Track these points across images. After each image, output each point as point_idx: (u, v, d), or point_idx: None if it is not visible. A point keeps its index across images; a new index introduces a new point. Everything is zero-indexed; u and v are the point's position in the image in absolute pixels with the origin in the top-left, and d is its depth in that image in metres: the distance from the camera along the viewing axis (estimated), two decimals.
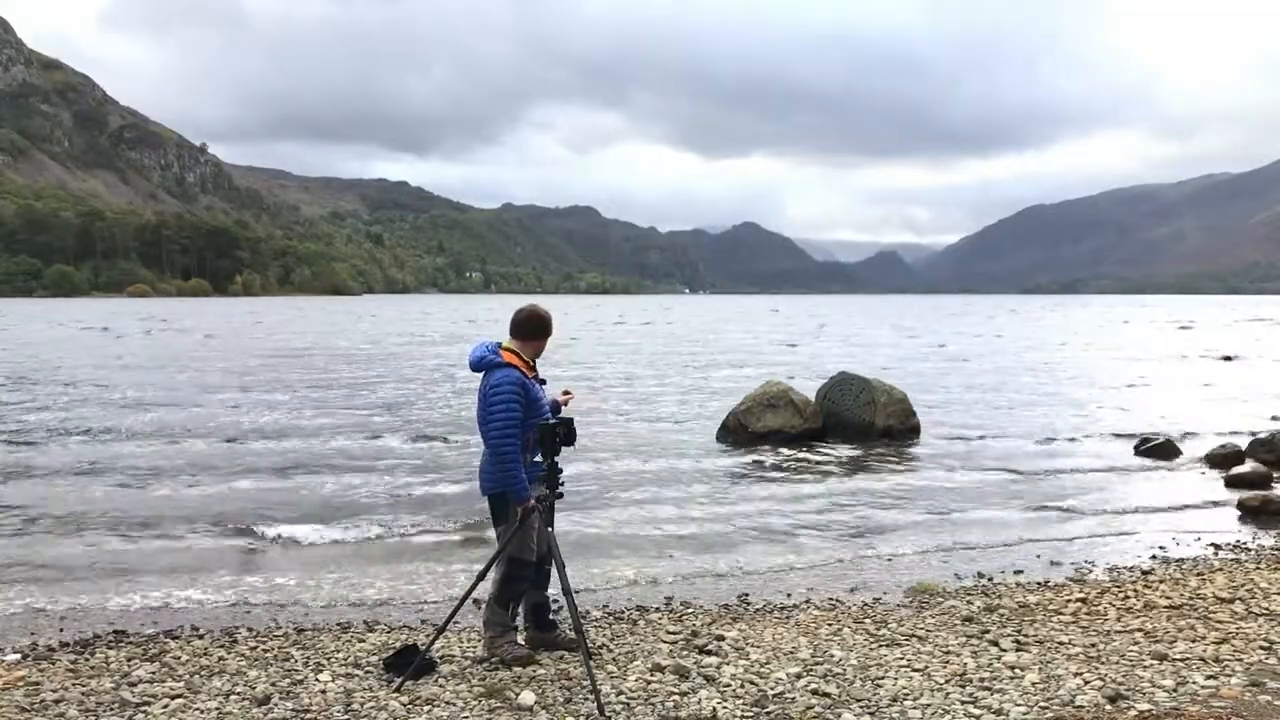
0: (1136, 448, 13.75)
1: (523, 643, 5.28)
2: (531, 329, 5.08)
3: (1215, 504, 10.44)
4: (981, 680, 4.87)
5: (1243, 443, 13.18)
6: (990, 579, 7.42)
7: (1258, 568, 7.50)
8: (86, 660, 5.34)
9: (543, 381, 5.14)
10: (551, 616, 5.42)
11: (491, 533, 5.29)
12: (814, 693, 4.71)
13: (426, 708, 4.53)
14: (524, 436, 4.92)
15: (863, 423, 14.62)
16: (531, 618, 5.36)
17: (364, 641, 5.68)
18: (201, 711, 4.49)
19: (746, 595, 6.95)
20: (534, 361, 5.12)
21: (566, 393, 5.28)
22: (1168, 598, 6.51)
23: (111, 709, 4.53)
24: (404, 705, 4.55)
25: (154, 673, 5.05)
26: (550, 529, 4.98)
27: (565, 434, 4.89)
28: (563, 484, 5.00)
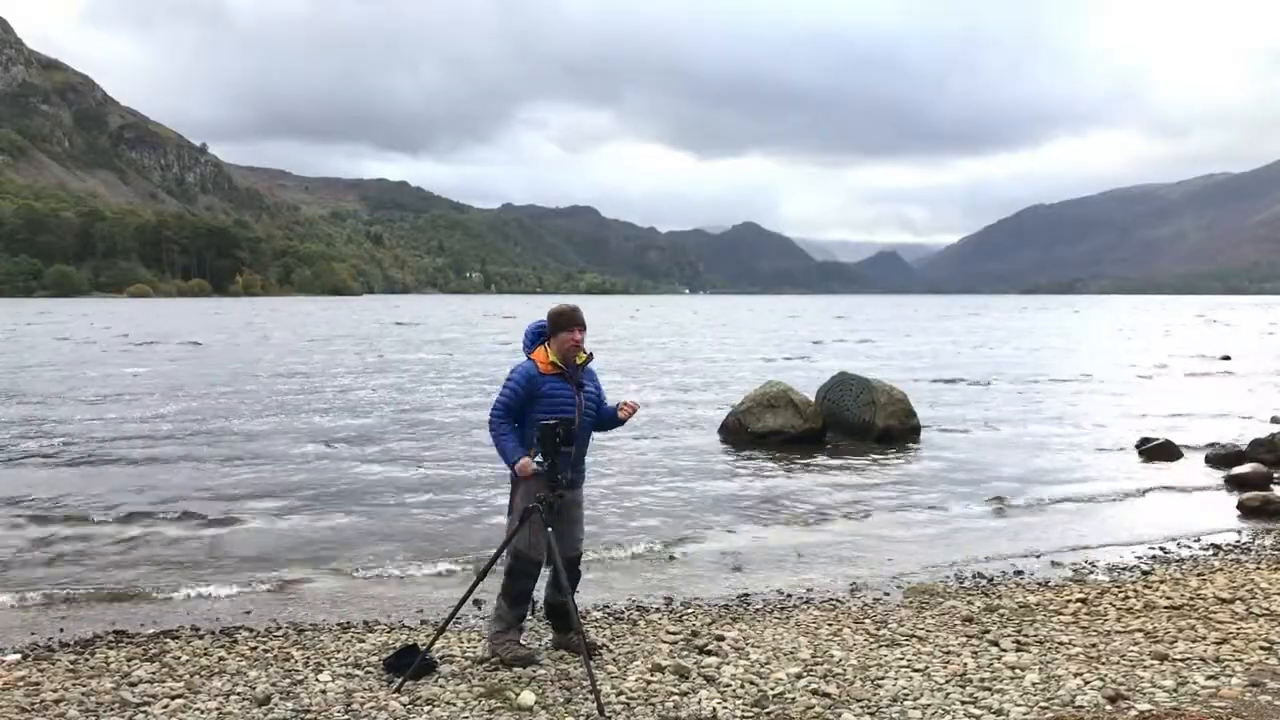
0: (1137, 448, 13.74)
1: (523, 642, 5.27)
2: (551, 326, 5.14)
3: (1215, 504, 10.44)
4: (981, 680, 4.87)
5: (1243, 443, 13.17)
6: (990, 579, 7.42)
7: (1258, 568, 7.50)
8: (86, 660, 5.33)
9: (580, 385, 5.13)
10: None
11: (491, 532, 5.30)
12: (814, 693, 4.71)
13: (426, 708, 4.53)
14: (530, 431, 4.99)
15: (863, 423, 14.62)
16: (549, 619, 5.41)
17: (364, 641, 5.68)
18: (201, 711, 4.49)
19: (746, 595, 6.95)
20: (563, 359, 5.09)
21: (624, 405, 5.21)
22: (1168, 598, 6.51)
23: (111, 709, 4.53)
24: (404, 705, 4.55)
25: (154, 673, 5.05)
26: (550, 529, 4.97)
27: (565, 434, 4.89)
28: (564, 484, 4.99)
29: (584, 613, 5.94)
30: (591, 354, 5.18)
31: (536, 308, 5.36)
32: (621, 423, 5.28)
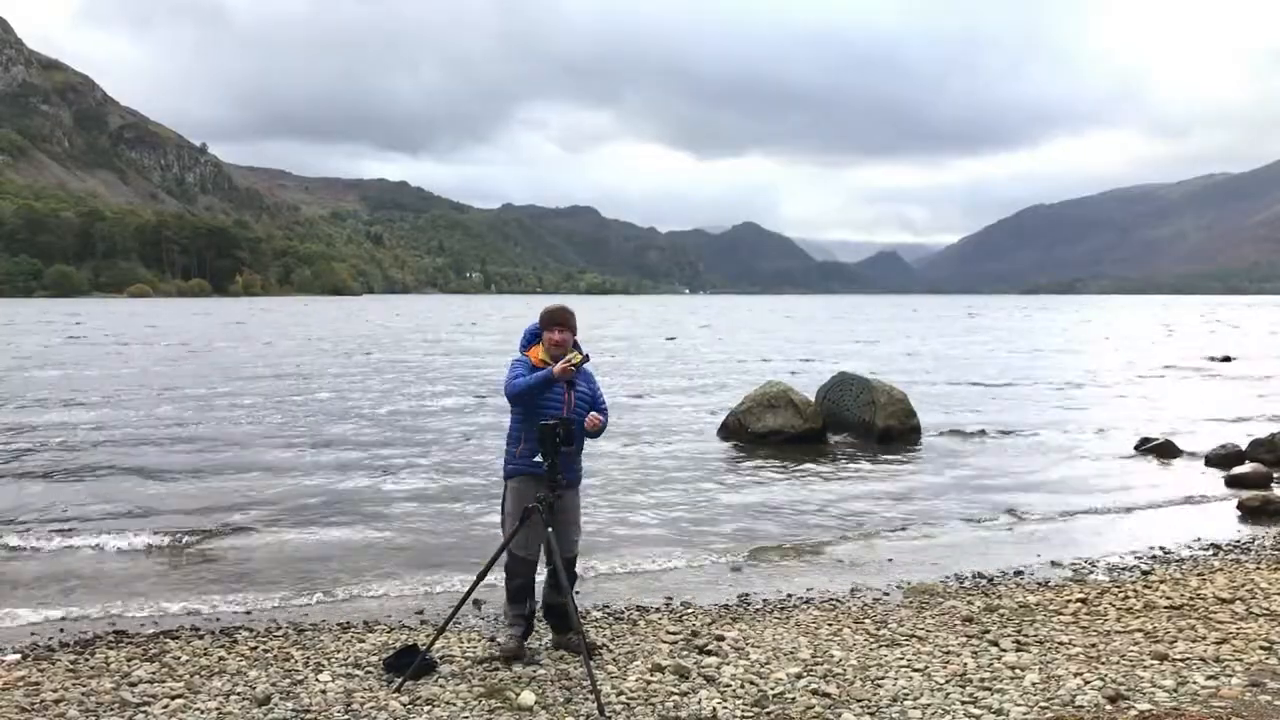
0: (1137, 448, 13.75)
1: (527, 643, 5.26)
2: (540, 326, 5.24)
3: (1215, 504, 10.44)
4: (981, 680, 4.87)
5: (1243, 443, 13.17)
6: (990, 579, 7.42)
7: (1258, 568, 7.50)
8: (86, 660, 5.33)
9: (571, 384, 5.14)
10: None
11: (490, 533, 5.31)
12: (814, 693, 4.71)
13: (426, 708, 4.53)
14: (528, 430, 5.04)
15: (863, 423, 14.62)
16: (548, 619, 5.42)
17: (364, 641, 5.68)
18: (201, 711, 4.49)
19: (746, 595, 6.95)
20: (551, 358, 5.16)
21: (590, 417, 5.15)
22: (1168, 598, 6.51)
23: (111, 709, 4.53)
24: (404, 705, 4.55)
25: (154, 673, 5.05)
26: (549, 530, 4.97)
27: (564, 434, 4.90)
28: (562, 483, 4.98)
29: (584, 613, 5.95)
30: (588, 356, 5.19)
31: (538, 308, 5.41)
32: (590, 434, 5.23)
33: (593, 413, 5.16)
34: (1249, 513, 9.81)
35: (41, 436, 14.50)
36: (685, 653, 5.36)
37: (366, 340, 43.76)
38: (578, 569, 5.54)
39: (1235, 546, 8.48)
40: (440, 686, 4.81)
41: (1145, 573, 7.51)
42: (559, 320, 5.19)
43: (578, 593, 5.33)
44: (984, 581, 7.34)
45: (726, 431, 14.74)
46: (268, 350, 35.83)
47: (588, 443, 5.37)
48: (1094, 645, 5.44)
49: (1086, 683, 4.80)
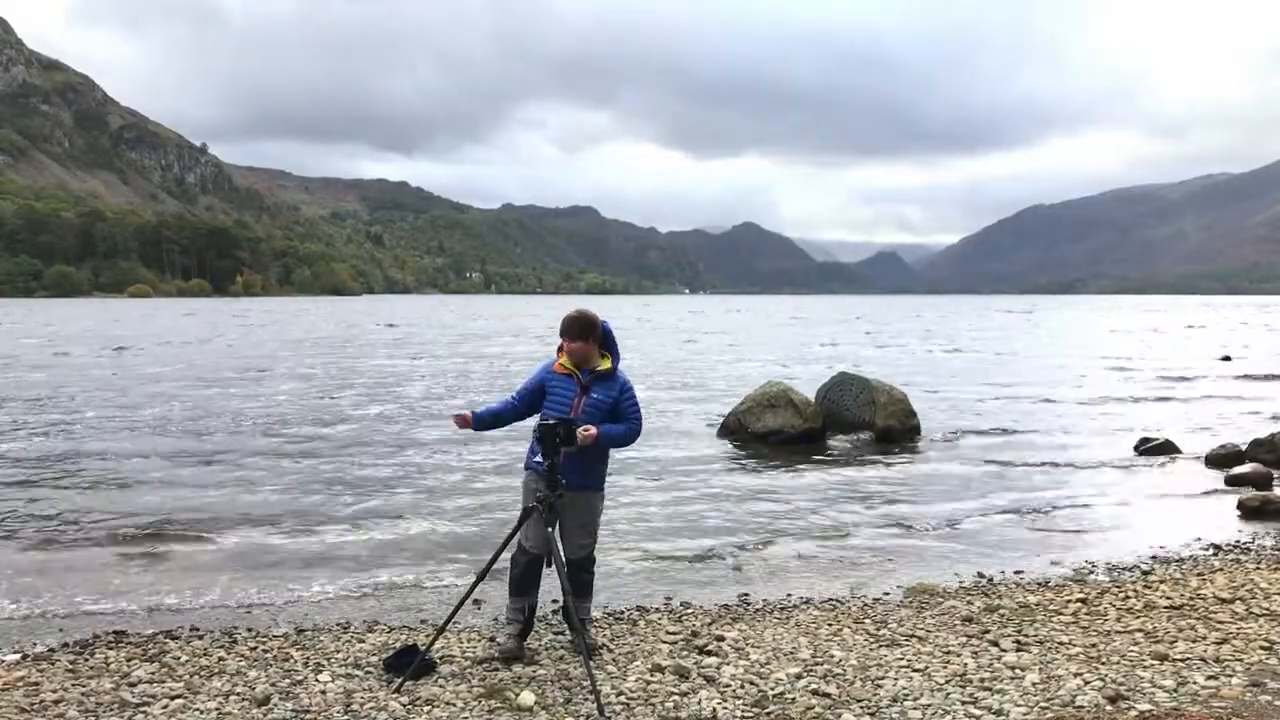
0: (1136, 448, 13.74)
1: (514, 641, 5.25)
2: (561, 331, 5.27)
3: (1215, 504, 10.43)
4: (982, 680, 4.87)
5: (1243, 443, 13.17)
6: (990, 579, 7.42)
7: (1258, 568, 7.50)
8: (86, 660, 5.33)
9: (586, 389, 5.15)
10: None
11: (491, 532, 5.30)
12: (814, 693, 4.71)
13: (426, 708, 4.53)
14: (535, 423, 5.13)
15: (863, 423, 14.62)
16: (565, 620, 5.45)
17: (364, 641, 5.67)
18: (201, 712, 4.49)
19: (746, 595, 6.95)
20: (574, 362, 5.20)
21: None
22: (1168, 598, 6.51)
23: (111, 709, 4.53)
24: (404, 705, 4.55)
25: (154, 673, 5.05)
26: (551, 530, 4.97)
27: (565, 434, 4.90)
28: (563, 484, 4.98)
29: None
30: (613, 366, 5.21)
31: (535, 308, 5.45)
32: (605, 443, 5.22)
33: (584, 427, 4.97)
34: (1249, 513, 9.80)
35: (37, 436, 14.51)
36: (685, 653, 5.36)
37: (368, 341, 43.77)
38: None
39: (1235, 546, 8.49)
40: (440, 687, 4.80)
41: (1145, 573, 7.51)
42: (565, 329, 5.21)
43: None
44: (984, 581, 7.34)
45: (726, 431, 14.74)
46: (276, 351, 35.82)
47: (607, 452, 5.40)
48: (1094, 645, 5.44)
49: (1086, 683, 4.79)
